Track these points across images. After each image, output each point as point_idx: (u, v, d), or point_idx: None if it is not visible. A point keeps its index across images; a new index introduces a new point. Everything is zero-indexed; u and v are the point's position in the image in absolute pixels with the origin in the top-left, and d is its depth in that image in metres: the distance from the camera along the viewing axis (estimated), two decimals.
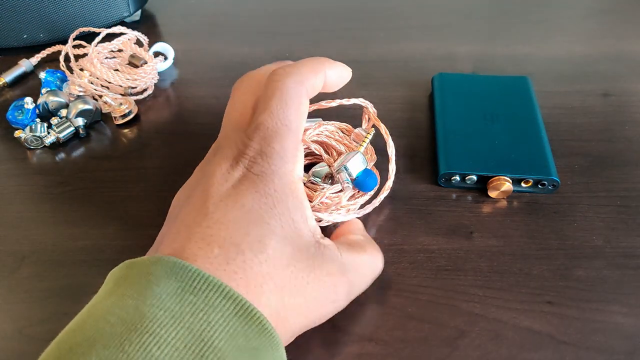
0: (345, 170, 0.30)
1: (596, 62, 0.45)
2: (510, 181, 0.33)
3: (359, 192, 0.32)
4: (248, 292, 0.21)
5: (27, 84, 0.45)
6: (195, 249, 0.22)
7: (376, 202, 0.32)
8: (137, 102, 0.42)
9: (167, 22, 0.52)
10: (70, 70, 0.43)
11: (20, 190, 0.36)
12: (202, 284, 0.20)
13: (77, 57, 0.46)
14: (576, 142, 0.37)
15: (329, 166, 0.33)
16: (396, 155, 0.33)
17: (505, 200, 0.34)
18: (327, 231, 0.32)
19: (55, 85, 0.42)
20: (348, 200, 0.32)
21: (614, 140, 0.37)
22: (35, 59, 0.46)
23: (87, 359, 0.18)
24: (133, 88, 0.42)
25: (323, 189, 0.31)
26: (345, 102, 0.35)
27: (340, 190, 0.32)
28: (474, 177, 0.33)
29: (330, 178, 0.33)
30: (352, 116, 0.37)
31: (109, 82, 0.41)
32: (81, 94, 0.41)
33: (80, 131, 0.39)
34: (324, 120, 0.35)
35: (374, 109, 0.35)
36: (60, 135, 0.38)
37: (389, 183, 0.33)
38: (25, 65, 0.45)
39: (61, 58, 0.44)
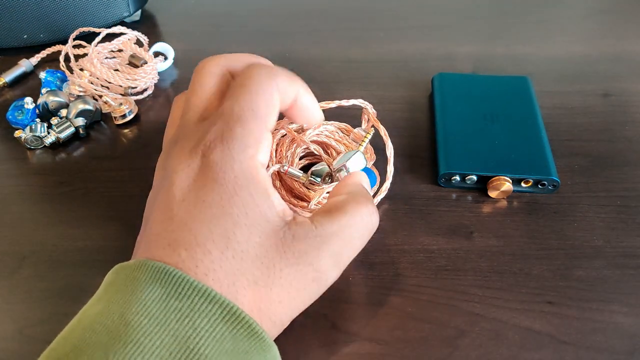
0: (345, 169, 0.30)
1: (596, 62, 0.45)
2: (510, 181, 0.33)
3: None
4: (222, 292, 0.20)
5: (27, 84, 0.45)
6: (163, 255, 0.21)
7: (374, 203, 0.32)
8: (137, 102, 0.42)
9: (167, 22, 0.52)
10: (70, 70, 0.43)
11: (20, 190, 0.36)
12: (187, 289, 0.20)
13: (77, 57, 0.46)
14: (576, 142, 0.37)
15: (329, 165, 0.33)
16: (396, 156, 0.33)
17: (505, 200, 0.34)
18: None
19: (55, 85, 0.42)
20: None
21: (614, 140, 0.37)
22: (35, 59, 0.46)
23: None
24: (133, 88, 0.42)
25: (322, 188, 0.31)
26: (345, 103, 0.35)
27: None
28: (474, 177, 0.33)
29: (329, 178, 0.33)
30: (351, 116, 0.37)
31: (109, 82, 0.41)
32: (81, 94, 0.41)
33: (80, 131, 0.39)
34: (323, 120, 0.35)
35: (373, 110, 0.35)
36: (60, 135, 0.38)
37: (387, 184, 0.33)
38: (25, 65, 0.45)
39: (61, 58, 0.44)
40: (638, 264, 0.30)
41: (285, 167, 0.32)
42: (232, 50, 0.47)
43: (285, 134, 0.35)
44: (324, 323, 0.25)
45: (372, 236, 0.25)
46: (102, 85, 0.42)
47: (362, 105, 0.35)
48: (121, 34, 0.44)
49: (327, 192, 0.32)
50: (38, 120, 0.39)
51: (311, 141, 0.34)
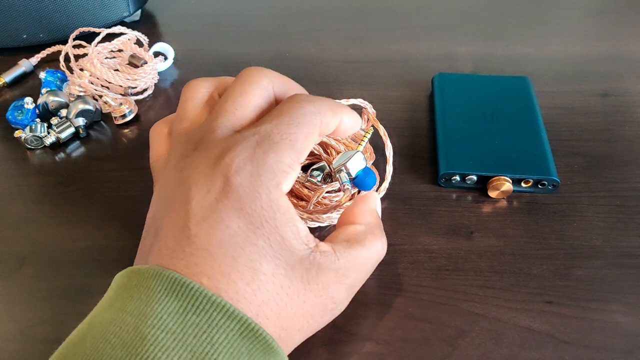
0: (344, 169, 0.30)
1: (596, 62, 0.45)
2: (510, 181, 0.33)
3: (359, 191, 0.32)
4: None
5: (27, 84, 0.45)
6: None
7: None
8: (137, 102, 0.42)
9: (167, 22, 0.52)
10: (70, 70, 0.43)
11: (20, 190, 0.36)
12: (205, 303, 0.19)
13: (77, 57, 0.46)
14: (576, 142, 0.37)
15: (328, 165, 0.33)
16: (396, 155, 0.33)
17: (505, 200, 0.34)
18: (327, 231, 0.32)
19: (55, 85, 0.42)
20: (348, 200, 0.32)
21: (613, 140, 0.37)
22: (35, 59, 0.46)
23: None
24: (133, 88, 0.42)
25: (321, 188, 0.31)
26: (345, 102, 0.35)
27: (338, 190, 0.32)
28: (474, 177, 0.33)
29: (329, 177, 0.33)
30: None
31: (109, 82, 0.41)
32: (81, 94, 0.41)
33: (81, 131, 0.39)
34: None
35: (373, 109, 0.35)
36: (61, 135, 0.38)
37: (386, 184, 0.33)
38: (25, 65, 0.45)
39: (61, 58, 0.44)
40: (637, 264, 0.30)
41: None
42: (232, 50, 0.47)
43: None
44: None
45: None
46: (102, 85, 0.42)
47: (362, 105, 0.35)
48: (121, 34, 0.44)
49: (327, 192, 0.32)
50: (38, 120, 0.39)
51: None
